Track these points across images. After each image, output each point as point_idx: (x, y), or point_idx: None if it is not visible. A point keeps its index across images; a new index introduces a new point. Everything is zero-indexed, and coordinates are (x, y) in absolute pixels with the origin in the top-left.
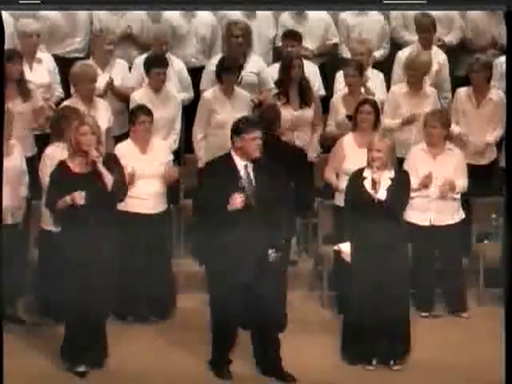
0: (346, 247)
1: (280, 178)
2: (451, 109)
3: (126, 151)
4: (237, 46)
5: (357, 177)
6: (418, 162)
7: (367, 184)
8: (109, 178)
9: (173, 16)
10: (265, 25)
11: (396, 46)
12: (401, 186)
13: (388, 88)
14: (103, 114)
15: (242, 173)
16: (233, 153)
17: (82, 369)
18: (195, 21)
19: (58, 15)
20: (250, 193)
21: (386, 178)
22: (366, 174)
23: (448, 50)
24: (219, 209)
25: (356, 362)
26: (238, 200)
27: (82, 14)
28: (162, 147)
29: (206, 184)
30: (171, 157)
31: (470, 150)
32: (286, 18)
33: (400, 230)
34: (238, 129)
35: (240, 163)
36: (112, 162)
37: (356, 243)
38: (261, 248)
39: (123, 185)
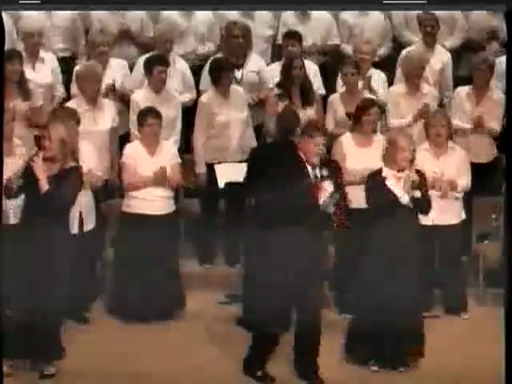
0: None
1: None
2: (451, 107)
3: (134, 152)
4: (237, 46)
5: (376, 177)
6: (422, 162)
7: (390, 184)
8: (43, 184)
9: (172, 14)
10: (263, 23)
11: (400, 45)
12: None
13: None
14: (108, 115)
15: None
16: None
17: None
18: (194, 18)
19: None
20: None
21: (408, 176)
22: (386, 173)
23: (449, 50)
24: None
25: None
26: (328, 186)
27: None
28: (170, 150)
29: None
30: (178, 160)
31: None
32: (289, 17)
33: (419, 230)
34: (305, 130)
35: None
36: (69, 175)
37: (375, 244)
38: None
39: (63, 199)
